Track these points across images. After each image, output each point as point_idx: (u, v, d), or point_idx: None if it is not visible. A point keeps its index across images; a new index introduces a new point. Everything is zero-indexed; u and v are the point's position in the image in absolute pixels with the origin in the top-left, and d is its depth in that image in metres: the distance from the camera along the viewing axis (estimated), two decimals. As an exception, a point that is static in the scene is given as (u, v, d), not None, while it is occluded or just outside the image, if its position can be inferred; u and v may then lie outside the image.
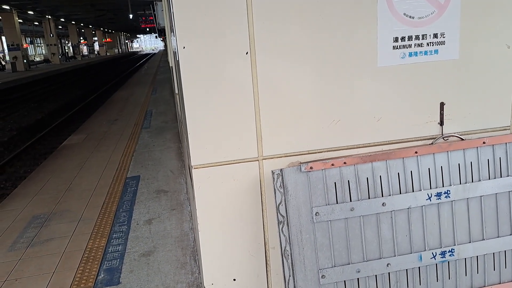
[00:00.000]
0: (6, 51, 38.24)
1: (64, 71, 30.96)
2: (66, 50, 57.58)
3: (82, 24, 52.69)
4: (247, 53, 1.92)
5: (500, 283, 2.15)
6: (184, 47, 1.87)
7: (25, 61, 31.38)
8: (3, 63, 34.43)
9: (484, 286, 2.14)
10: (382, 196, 2.04)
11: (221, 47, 1.89)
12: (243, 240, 2.10)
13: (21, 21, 35.80)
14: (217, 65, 1.91)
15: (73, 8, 34.65)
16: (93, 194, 4.71)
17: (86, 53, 62.58)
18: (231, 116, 1.97)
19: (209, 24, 1.86)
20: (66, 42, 62.07)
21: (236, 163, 2.02)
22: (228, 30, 1.88)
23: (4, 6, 28.52)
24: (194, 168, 1.99)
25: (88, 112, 13.17)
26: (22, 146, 9.48)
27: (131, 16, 26.12)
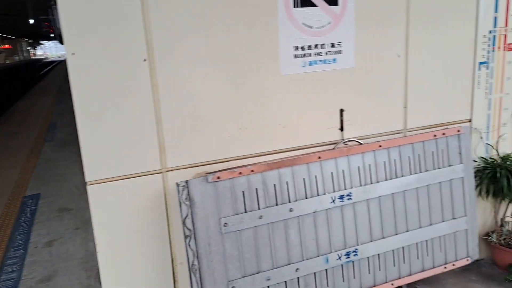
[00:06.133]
0: None
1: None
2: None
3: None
4: (145, 60, 1.83)
5: (399, 278, 2.28)
6: (73, 54, 1.72)
7: None
8: None
9: (386, 282, 2.25)
10: (289, 202, 2.06)
11: (116, 54, 1.78)
12: (148, 258, 1.98)
13: None
14: (112, 73, 1.79)
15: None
16: (-17, 218, 4.19)
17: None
18: (130, 127, 1.86)
19: (102, 30, 1.74)
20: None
21: (137, 176, 1.91)
22: (123, 36, 1.77)
23: None
24: (89, 184, 1.84)
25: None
26: None
27: (32, 21, 24.14)
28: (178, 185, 1.90)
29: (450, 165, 2.33)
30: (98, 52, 1.74)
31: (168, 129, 1.92)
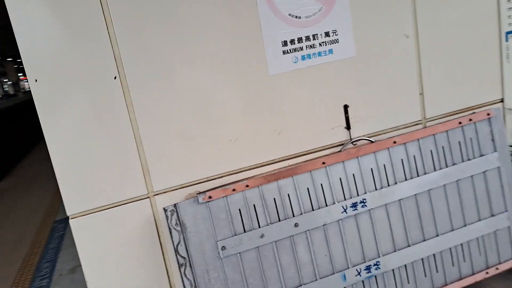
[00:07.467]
0: None
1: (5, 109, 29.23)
2: (6, 88, 54.73)
3: (18, 60, 50.26)
4: (115, 77, 1.67)
5: (433, 290, 1.99)
6: (36, 80, 1.59)
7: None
8: None
9: (417, 296, 1.97)
10: (293, 216, 1.83)
11: (82, 74, 1.63)
12: (145, 290, 1.83)
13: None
14: (81, 96, 1.64)
15: (10, 44, 33.01)
16: (14, 247, 4.25)
17: (29, 89, 59.63)
18: (108, 152, 1.70)
19: (64, 50, 1.60)
20: (5, 80, 59.03)
21: (122, 204, 1.75)
22: (88, 52, 1.62)
23: None
24: (71, 218, 1.70)
25: (22, 153, 12.34)
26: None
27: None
28: (165, 210, 1.73)
29: (482, 155, 2.01)
30: (64, 76, 1.60)
31: (149, 150, 1.75)
